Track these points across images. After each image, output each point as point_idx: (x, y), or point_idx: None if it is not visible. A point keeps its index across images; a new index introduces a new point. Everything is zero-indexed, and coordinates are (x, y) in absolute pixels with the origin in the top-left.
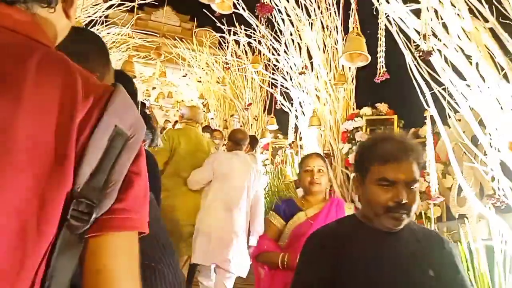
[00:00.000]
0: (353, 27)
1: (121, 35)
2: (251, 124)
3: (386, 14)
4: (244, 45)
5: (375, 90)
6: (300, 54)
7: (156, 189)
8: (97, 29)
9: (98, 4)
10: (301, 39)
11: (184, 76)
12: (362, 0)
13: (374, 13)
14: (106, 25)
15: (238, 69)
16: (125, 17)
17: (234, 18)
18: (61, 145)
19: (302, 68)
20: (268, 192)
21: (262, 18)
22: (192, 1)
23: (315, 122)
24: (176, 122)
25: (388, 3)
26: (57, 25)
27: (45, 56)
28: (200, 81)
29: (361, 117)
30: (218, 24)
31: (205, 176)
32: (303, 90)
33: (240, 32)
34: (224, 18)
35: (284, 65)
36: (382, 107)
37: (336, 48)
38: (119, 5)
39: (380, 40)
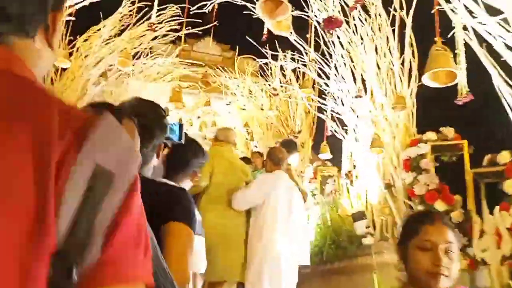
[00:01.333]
0: (436, 40)
1: (166, 65)
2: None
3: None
4: (290, 70)
5: (437, 112)
6: (353, 76)
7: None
8: (142, 61)
9: (143, 36)
10: (352, 61)
11: (227, 105)
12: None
13: (453, 25)
14: (151, 56)
15: (286, 94)
16: (168, 49)
17: (277, 44)
18: (39, 198)
19: (356, 91)
20: (321, 225)
21: (311, 41)
22: (233, 31)
23: (377, 144)
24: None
25: (473, 16)
26: (38, 56)
27: (17, 92)
28: (244, 109)
29: (425, 143)
30: (261, 50)
31: (256, 200)
32: (357, 116)
33: (285, 56)
34: (267, 45)
35: (335, 89)
36: (448, 131)
37: (392, 69)
38: (164, 36)
39: (459, 56)
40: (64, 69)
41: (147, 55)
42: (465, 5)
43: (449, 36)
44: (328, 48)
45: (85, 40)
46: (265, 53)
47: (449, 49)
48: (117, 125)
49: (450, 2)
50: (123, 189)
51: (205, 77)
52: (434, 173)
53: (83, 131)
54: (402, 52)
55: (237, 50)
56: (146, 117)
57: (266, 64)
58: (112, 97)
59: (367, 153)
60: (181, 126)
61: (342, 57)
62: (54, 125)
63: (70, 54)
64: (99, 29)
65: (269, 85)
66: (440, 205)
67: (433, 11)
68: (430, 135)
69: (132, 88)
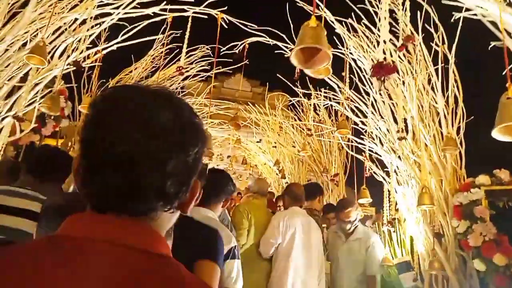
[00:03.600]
0: (508, 85)
1: (197, 105)
2: (331, 190)
3: None
4: (323, 108)
5: (487, 151)
6: (393, 115)
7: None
8: None
9: (174, 77)
10: (391, 99)
11: (258, 142)
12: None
13: None
14: (182, 96)
15: (320, 134)
16: (200, 87)
17: (308, 82)
18: None
19: (398, 131)
20: None
21: (345, 79)
22: (263, 67)
23: (427, 201)
24: (239, 193)
25: None
26: (171, 221)
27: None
28: (275, 146)
29: (478, 188)
30: (292, 87)
31: (276, 240)
32: (399, 157)
33: (319, 95)
34: (298, 81)
35: (373, 129)
36: (503, 174)
37: (435, 106)
38: (195, 75)
39: None
40: None
41: (179, 94)
42: None
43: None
44: (364, 85)
45: (117, 83)
46: (297, 91)
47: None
48: None
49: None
50: None
51: (234, 119)
52: (490, 221)
53: None
54: (446, 88)
55: (267, 86)
56: None
57: (298, 100)
58: None
59: (410, 198)
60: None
61: (380, 94)
62: None
63: None
64: (131, 71)
65: (301, 121)
66: (499, 259)
67: (490, 47)
68: (483, 178)
69: None
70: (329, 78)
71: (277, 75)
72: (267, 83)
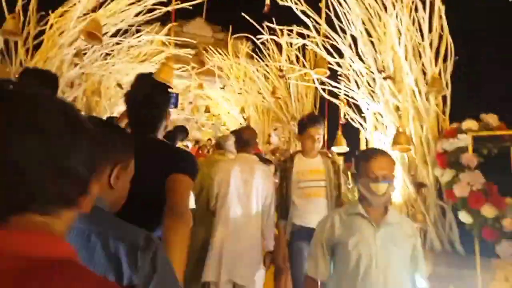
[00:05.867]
0: None
1: (155, 45)
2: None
3: None
4: (295, 49)
5: (470, 96)
6: (376, 52)
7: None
8: (125, 37)
9: (125, 11)
10: (370, 36)
11: (222, 88)
12: None
13: None
14: (137, 36)
15: (293, 76)
16: (156, 29)
17: (275, 21)
18: None
19: (381, 71)
20: None
21: (323, 13)
22: (225, 11)
23: (403, 141)
24: (208, 148)
25: None
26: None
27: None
28: (240, 93)
29: (465, 133)
30: (259, 28)
31: (214, 191)
32: (378, 101)
33: (291, 32)
34: (264, 22)
35: (350, 70)
36: (491, 118)
37: (419, 44)
38: (149, 11)
39: None
40: (35, 49)
41: (133, 34)
42: None
43: None
44: (340, 21)
45: (61, 16)
46: (266, 29)
47: None
48: None
49: None
50: None
51: (199, 55)
52: (477, 170)
53: None
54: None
55: (230, 29)
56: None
57: (264, 43)
58: (92, 80)
59: (388, 145)
60: (177, 95)
61: (361, 32)
62: None
63: (43, 32)
64: (75, 4)
65: (267, 65)
66: (488, 211)
67: None
68: (471, 123)
69: (116, 70)
70: (302, 12)
71: (242, 14)
72: (230, 26)
